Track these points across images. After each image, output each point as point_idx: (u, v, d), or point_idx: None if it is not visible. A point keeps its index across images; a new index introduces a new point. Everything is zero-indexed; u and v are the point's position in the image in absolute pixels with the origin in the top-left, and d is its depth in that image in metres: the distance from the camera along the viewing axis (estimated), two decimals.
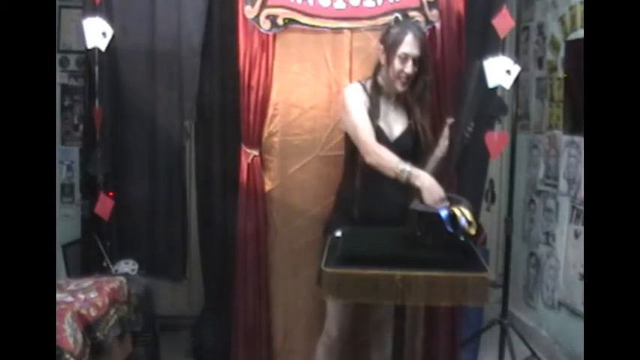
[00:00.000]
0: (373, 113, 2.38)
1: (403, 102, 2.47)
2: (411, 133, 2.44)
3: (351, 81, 2.66)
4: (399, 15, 2.47)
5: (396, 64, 2.35)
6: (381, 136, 2.37)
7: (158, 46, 2.84)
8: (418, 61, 2.36)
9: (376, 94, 2.43)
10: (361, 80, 2.49)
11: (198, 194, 3.02)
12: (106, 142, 2.84)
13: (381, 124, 2.39)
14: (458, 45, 2.75)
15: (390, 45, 2.37)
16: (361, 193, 2.40)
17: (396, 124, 2.44)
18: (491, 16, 2.67)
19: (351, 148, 2.43)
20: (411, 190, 2.27)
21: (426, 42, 2.44)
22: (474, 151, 2.85)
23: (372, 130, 2.34)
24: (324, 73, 2.75)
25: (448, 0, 2.72)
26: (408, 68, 2.35)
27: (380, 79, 2.44)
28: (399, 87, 2.39)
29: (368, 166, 2.33)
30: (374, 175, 2.32)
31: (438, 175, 2.50)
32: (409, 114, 2.46)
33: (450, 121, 2.47)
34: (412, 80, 2.39)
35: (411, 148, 2.43)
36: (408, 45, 2.33)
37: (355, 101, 2.40)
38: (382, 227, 2.25)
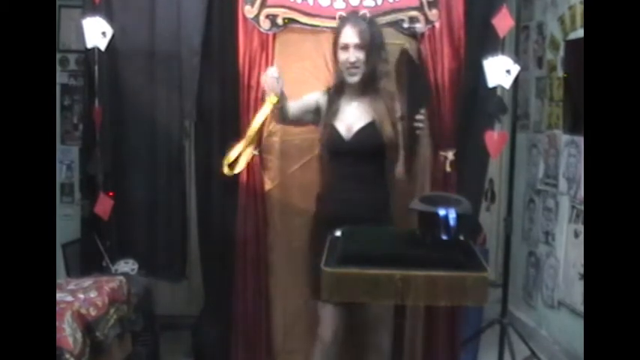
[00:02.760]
0: (329, 114, 2.45)
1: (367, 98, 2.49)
2: (371, 129, 2.43)
3: None
4: (342, 13, 2.56)
5: (340, 55, 2.41)
6: (334, 136, 2.42)
7: (158, 46, 2.85)
8: (363, 50, 2.39)
9: (337, 95, 2.48)
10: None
11: (198, 194, 3.02)
12: (106, 141, 2.84)
13: (337, 123, 2.43)
14: (458, 45, 2.75)
15: (333, 40, 2.46)
16: (328, 194, 2.48)
17: (357, 122, 2.44)
18: (491, 16, 2.67)
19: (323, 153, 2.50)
20: (371, 188, 2.38)
21: (373, 32, 2.43)
22: (474, 150, 2.86)
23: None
24: (323, 72, 2.75)
25: (448, 0, 2.72)
26: (351, 57, 2.38)
27: (339, 80, 2.48)
28: (349, 78, 2.42)
29: (333, 167, 2.45)
30: (340, 176, 2.42)
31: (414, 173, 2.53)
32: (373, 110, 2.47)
33: (399, 115, 2.44)
34: (365, 72, 2.41)
35: (370, 144, 2.42)
36: (346, 34, 2.40)
37: (302, 99, 2.51)
38: (348, 226, 2.27)
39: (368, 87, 2.45)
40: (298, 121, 2.54)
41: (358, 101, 2.48)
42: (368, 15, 2.53)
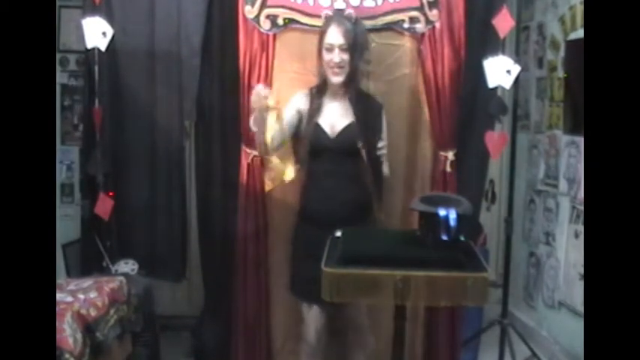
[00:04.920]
0: (312, 112, 2.46)
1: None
2: (353, 128, 2.44)
3: None
4: (328, 12, 2.55)
5: (325, 55, 2.41)
6: (319, 133, 2.43)
7: (158, 47, 2.85)
8: (347, 50, 2.39)
9: (319, 93, 2.48)
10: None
11: (198, 194, 3.02)
12: (106, 142, 2.84)
13: (321, 121, 2.43)
14: (458, 45, 2.75)
15: (318, 40, 2.46)
16: (307, 193, 2.50)
17: (340, 121, 2.45)
18: (491, 16, 2.67)
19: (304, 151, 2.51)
20: (354, 186, 2.39)
21: (357, 32, 2.44)
22: (474, 151, 2.86)
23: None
24: None
25: (448, 0, 2.72)
26: (336, 57, 2.38)
27: (322, 79, 2.49)
28: (333, 78, 2.43)
29: (314, 165, 2.45)
30: (320, 174, 2.44)
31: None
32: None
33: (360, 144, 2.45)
34: (348, 72, 2.41)
35: (354, 143, 2.42)
36: (332, 35, 2.40)
37: (287, 109, 2.47)
38: (330, 225, 2.27)
39: (350, 87, 2.45)
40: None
41: (339, 101, 2.48)
42: (354, 15, 2.53)
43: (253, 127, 2.34)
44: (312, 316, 2.47)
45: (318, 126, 2.44)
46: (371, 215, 2.51)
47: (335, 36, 2.39)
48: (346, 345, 2.61)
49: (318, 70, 2.51)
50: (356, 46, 2.41)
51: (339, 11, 2.56)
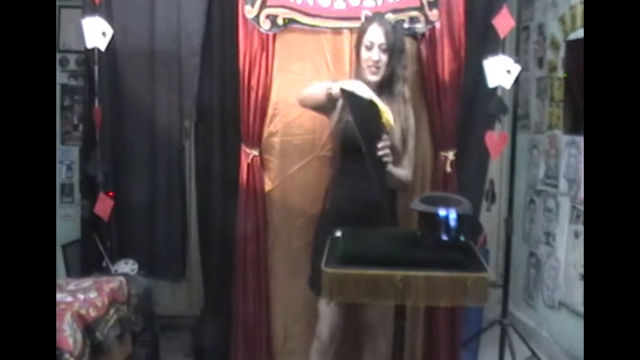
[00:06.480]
0: (346, 108, 2.41)
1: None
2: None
3: None
4: (368, 12, 2.54)
5: (363, 53, 2.41)
6: (350, 130, 2.38)
7: (158, 46, 2.85)
8: (387, 50, 2.39)
9: None
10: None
11: (198, 194, 3.02)
12: (106, 142, 2.84)
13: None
14: (458, 45, 2.75)
15: (357, 38, 2.46)
16: (334, 191, 2.48)
17: None
18: (492, 16, 2.67)
19: (334, 148, 2.50)
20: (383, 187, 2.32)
21: (397, 35, 2.45)
22: (475, 151, 2.86)
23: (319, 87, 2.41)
24: (324, 73, 2.76)
25: (448, 0, 2.72)
26: (374, 55, 2.38)
27: (357, 77, 2.47)
28: (369, 76, 2.41)
29: (343, 163, 2.43)
30: (348, 172, 2.41)
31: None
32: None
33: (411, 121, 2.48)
34: (384, 74, 2.41)
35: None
36: (373, 33, 2.39)
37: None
38: (356, 225, 2.25)
39: (384, 89, 2.44)
40: (315, 107, 2.49)
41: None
42: (393, 19, 2.54)
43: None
44: (329, 314, 2.44)
45: (349, 122, 2.39)
46: (394, 216, 2.51)
47: (377, 34, 2.39)
48: (358, 346, 2.60)
49: (355, 69, 2.52)
50: (395, 47, 2.41)
51: (380, 13, 2.54)
